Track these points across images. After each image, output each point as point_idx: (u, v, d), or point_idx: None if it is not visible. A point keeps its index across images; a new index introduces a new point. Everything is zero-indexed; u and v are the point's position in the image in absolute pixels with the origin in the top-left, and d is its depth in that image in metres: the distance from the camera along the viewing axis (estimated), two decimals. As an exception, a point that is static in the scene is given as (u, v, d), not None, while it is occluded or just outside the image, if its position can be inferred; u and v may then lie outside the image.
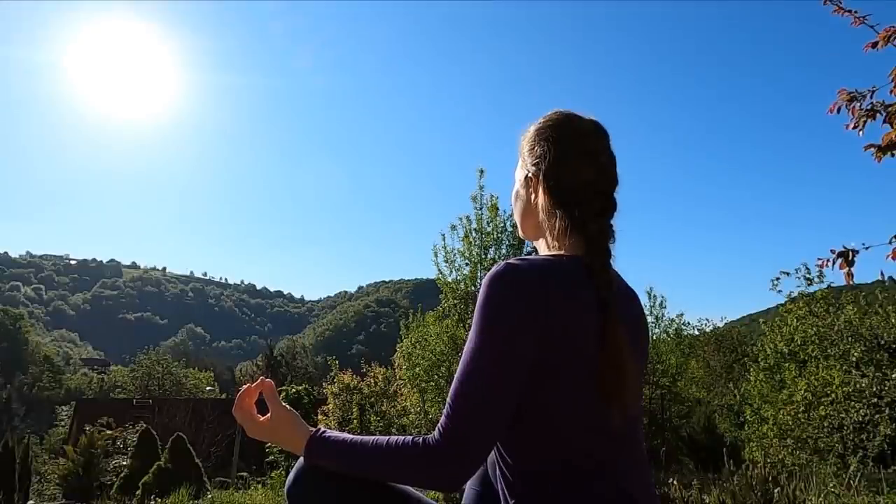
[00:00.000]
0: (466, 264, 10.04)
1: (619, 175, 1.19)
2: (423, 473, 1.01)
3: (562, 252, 1.11)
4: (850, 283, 2.36)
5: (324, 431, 1.12)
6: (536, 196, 1.19)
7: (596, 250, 1.07)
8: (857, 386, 8.85)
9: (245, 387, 1.24)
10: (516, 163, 1.28)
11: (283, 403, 1.21)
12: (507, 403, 0.98)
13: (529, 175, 1.20)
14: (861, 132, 2.27)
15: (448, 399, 1.01)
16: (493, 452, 1.09)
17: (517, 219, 1.29)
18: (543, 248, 1.21)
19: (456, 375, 1.01)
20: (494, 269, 1.02)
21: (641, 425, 1.14)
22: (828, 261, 2.37)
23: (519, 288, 0.98)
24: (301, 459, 1.12)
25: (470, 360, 0.99)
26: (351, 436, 1.09)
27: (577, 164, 1.14)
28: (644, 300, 15.00)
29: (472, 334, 1.01)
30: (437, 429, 1.00)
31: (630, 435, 1.05)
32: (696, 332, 20.14)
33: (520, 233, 1.31)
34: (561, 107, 1.23)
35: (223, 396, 34.00)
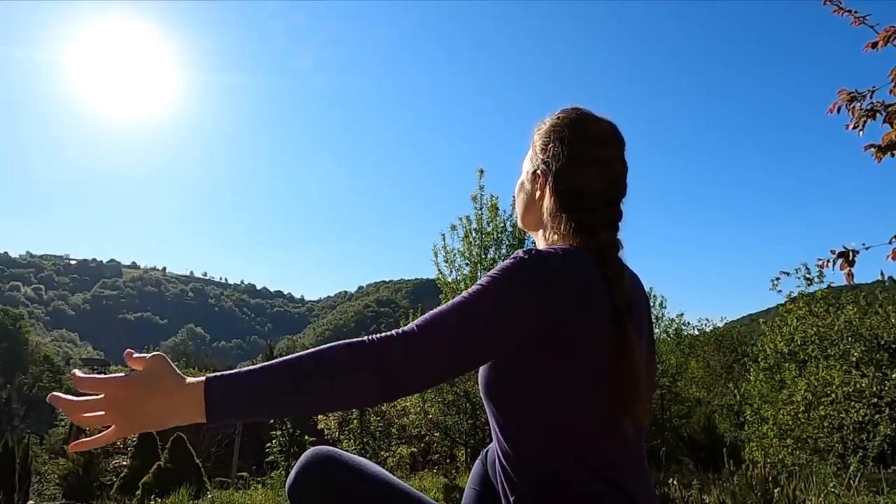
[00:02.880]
0: (466, 264, 10.03)
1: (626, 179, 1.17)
2: (370, 368, 0.90)
3: (571, 244, 1.10)
4: (850, 283, 2.36)
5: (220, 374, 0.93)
6: (542, 195, 1.17)
7: (610, 259, 1.05)
8: (857, 386, 8.85)
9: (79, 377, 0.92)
10: (526, 152, 1.24)
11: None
12: (475, 353, 0.96)
13: (538, 172, 1.18)
14: (861, 132, 2.27)
15: (427, 315, 0.96)
16: (494, 450, 1.08)
17: (518, 210, 1.27)
18: (541, 240, 1.20)
19: (448, 304, 0.97)
20: (521, 250, 1.01)
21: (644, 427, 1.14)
22: (828, 261, 2.38)
23: (539, 268, 0.97)
24: (303, 458, 1.09)
25: (470, 299, 0.96)
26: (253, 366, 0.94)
27: (588, 171, 1.12)
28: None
29: (480, 282, 0.98)
30: (393, 331, 0.95)
31: (633, 436, 1.05)
32: (696, 332, 20.13)
33: (518, 223, 1.29)
34: (562, 106, 1.20)
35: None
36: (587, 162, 1.12)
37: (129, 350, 0.96)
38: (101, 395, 0.91)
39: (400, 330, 0.95)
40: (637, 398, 0.98)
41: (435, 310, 0.97)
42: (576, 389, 0.98)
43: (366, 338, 0.94)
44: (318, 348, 0.94)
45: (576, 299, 0.97)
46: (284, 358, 0.93)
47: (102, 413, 0.91)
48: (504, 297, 0.95)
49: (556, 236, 1.14)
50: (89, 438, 0.93)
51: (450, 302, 0.97)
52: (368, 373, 0.91)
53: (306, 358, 0.92)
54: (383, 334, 0.94)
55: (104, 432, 0.93)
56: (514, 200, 1.31)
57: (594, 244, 1.07)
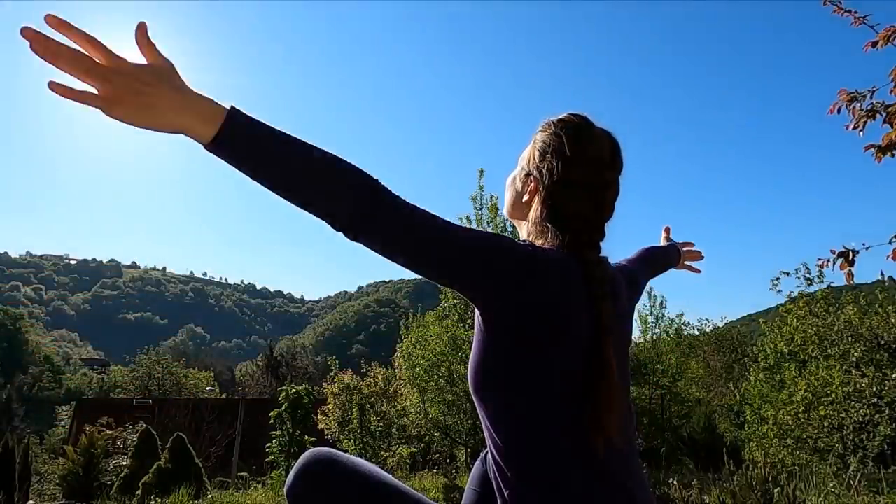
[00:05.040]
0: (466, 264, 10.03)
1: (622, 179, 1.17)
2: (367, 190, 0.93)
3: (555, 246, 1.11)
4: (850, 283, 2.36)
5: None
6: (530, 201, 1.18)
7: (598, 278, 1.05)
8: (857, 386, 8.84)
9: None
10: (527, 146, 1.23)
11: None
12: (432, 254, 0.97)
13: (531, 176, 1.18)
14: (861, 132, 2.27)
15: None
16: (490, 451, 1.09)
17: (506, 202, 1.28)
18: (524, 231, 1.21)
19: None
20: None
21: (633, 422, 1.14)
22: (828, 261, 2.38)
23: (526, 254, 1.00)
24: (302, 459, 1.10)
25: (460, 226, 0.99)
26: None
27: (579, 194, 1.11)
28: (644, 300, 14.99)
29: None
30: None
31: (623, 434, 1.05)
32: (696, 332, 20.12)
33: (504, 212, 1.30)
34: (563, 108, 1.20)
35: (223, 396, 33.96)
36: (580, 185, 1.11)
37: (143, 22, 0.86)
38: (105, 63, 0.83)
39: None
40: (611, 421, 0.98)
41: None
42: (562, 387, 0.99)
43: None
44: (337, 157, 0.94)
45: (555, 295, 0.99)
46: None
47: (102, 79, 0.82)
48: (483, 243, 0.99)
49: (539, 241, 1.15)
50: (71, 88, 0.83)
51: None
52: (365, 192, 0.93)
53: (324, 150, 0.94)
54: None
55: (88, 92, 0.83)
56: (506, 186, 1.30)
57: (578, 257, 1.07)
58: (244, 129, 0.88)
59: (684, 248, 1.89)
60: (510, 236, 1.03)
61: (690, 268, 1.92)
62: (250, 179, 0.92)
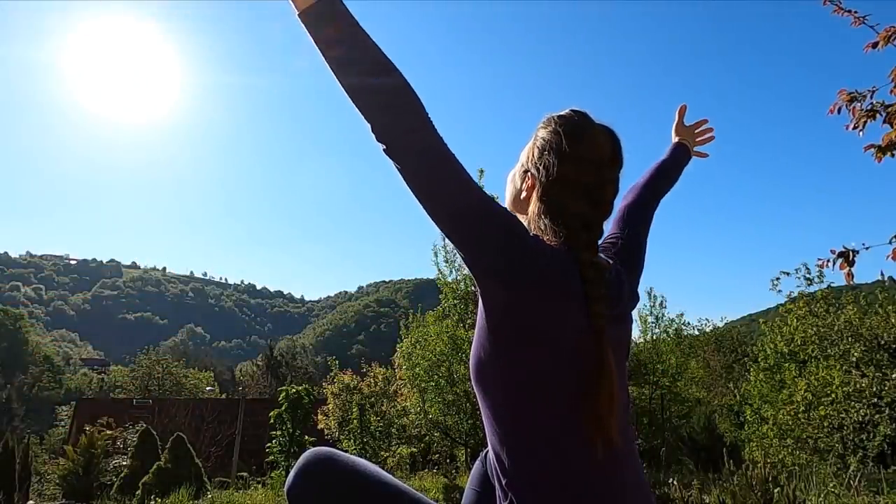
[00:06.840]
0: (466, 264, 10.01)
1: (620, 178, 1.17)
2: (413, 115, 1.02)
3: (554, 241, 1.11)
4: (850, 283, 2.36)
5: None
6: (528, 198, 1.18)
7: (593, 280, 1.05)
8: (857, 386, 8.84)
9: None
10: (529, 141, 1.22)
11: None
12: (445, 191, 1.02)
13: (529, 173, 1.18)
14: (861, 132, 2.27)
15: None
16: (489, 441, 1.09)
17: (506, 197, 1.28)
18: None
19: None
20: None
21: (631, 421, 1.14)
22: (828, 261, 2.38)
23: (532, 245, 1.03)
24: (302, 459, 1.11)
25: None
26: None
27: (575, 192, 1.11)
28: (644, 300, 14.97)
29: None
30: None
31: (622, 433, 1.05)
32: (696, 332, 20.11)
33: (506, 206, 1.29)
34: (562, 105, 1.19)
35: (223, 396, 33.95)
36: (577, 184, 1.11)
37: None
38: None
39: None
40: (610, 421, 0.99)
41: None
42: (560, 385, 1.00)
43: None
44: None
45: (554, 288, 1.00)
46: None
47: None
48: (503, 209, 1.04)
49: (539, 231, 1.14)
50: None
51: None
52: (416, 109, 1.02)
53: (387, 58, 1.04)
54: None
55: None
56: (507, 182, 1.31)
57: (576, 257, 1.07)
58: (341, 7, 1.02)
59: (696, 130, 1.82)
60: None
61: (699, 154, 1.86)
62: (324, 57, 1.03)
